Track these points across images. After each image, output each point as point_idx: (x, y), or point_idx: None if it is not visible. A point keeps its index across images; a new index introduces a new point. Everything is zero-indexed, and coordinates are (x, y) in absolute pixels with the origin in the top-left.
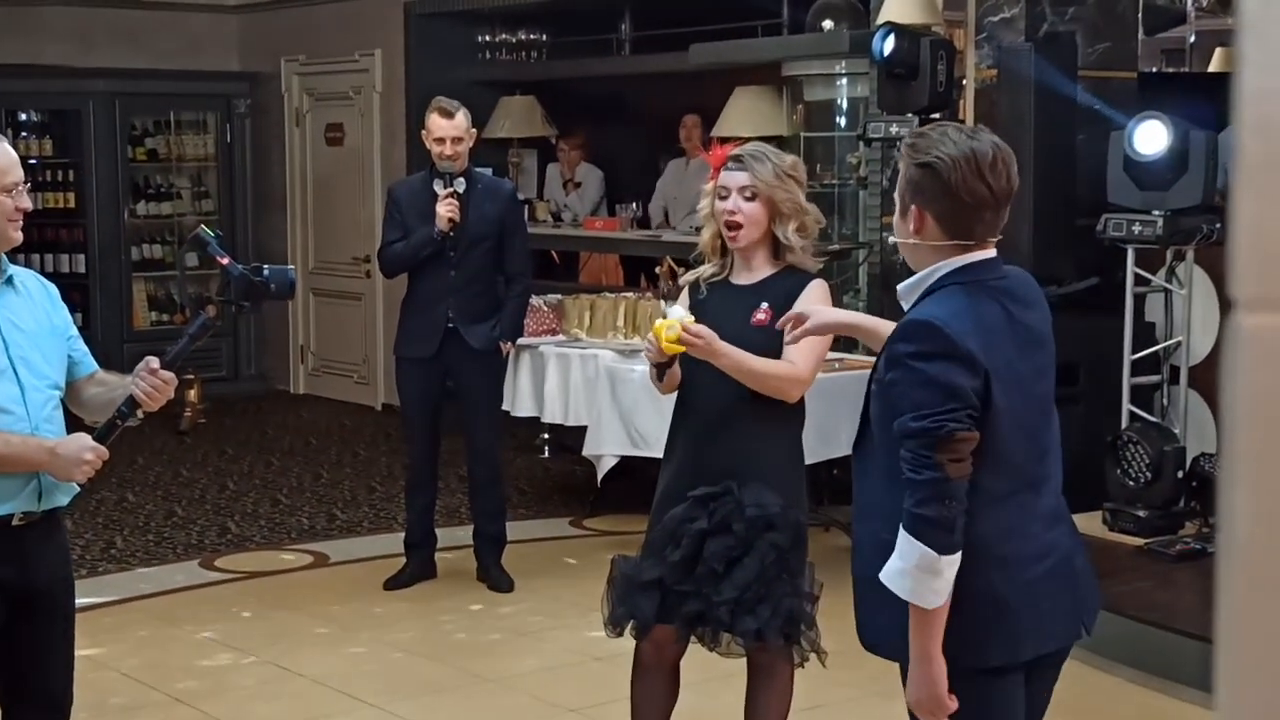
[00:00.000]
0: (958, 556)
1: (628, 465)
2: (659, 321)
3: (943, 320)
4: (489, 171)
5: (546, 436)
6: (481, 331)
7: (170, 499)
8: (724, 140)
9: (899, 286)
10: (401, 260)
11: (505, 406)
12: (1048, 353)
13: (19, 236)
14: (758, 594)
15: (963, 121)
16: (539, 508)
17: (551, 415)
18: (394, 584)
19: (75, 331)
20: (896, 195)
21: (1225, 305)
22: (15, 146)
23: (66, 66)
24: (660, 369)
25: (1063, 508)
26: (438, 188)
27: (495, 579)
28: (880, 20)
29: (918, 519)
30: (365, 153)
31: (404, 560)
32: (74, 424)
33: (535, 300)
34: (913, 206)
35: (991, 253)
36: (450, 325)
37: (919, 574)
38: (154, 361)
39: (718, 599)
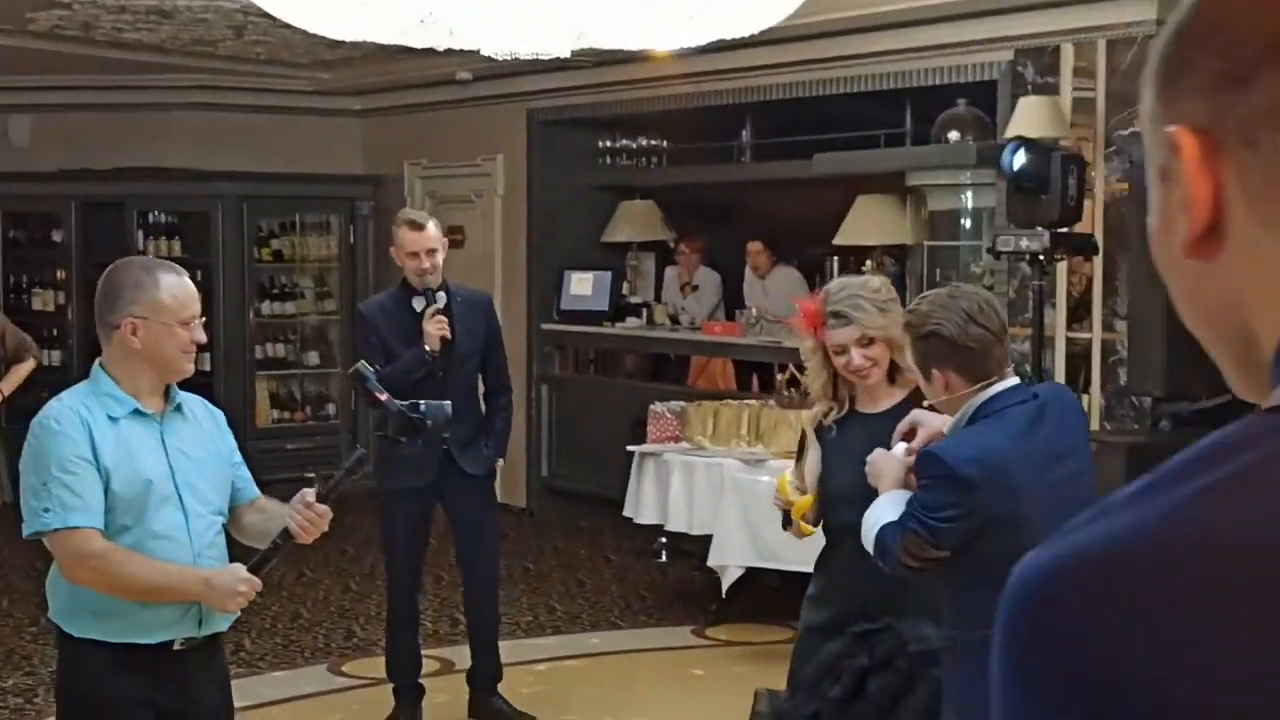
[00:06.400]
0: None
1: (749, 573)
2: (784, 474)
3: (942, 450)
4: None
5: (664, 540)
6: (477, 455)
7: (295, 599)
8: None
9: (945, 427)
10: (391, 388)
11: (628, 513)
12: (1079, 457)
13: (190, 369)
14: None
15: (1090, 236)
16: (659, 615)
17: (676, 523)
18: None
19: (240, 458)
20: (916, 366)
21: None
22: (145, 248)
23: (195, 170)
24: (788, 517)
25: None
26: (417, 305)
27: (495, 711)
28: (1010, 134)
29: (885, 553)
30: (486, 255)
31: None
32: (234, 548)
33: (658, 406)
34: (934, 371)
35: (1011, 381)
36: (446, 449)
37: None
38: (309, 494)
39: None
